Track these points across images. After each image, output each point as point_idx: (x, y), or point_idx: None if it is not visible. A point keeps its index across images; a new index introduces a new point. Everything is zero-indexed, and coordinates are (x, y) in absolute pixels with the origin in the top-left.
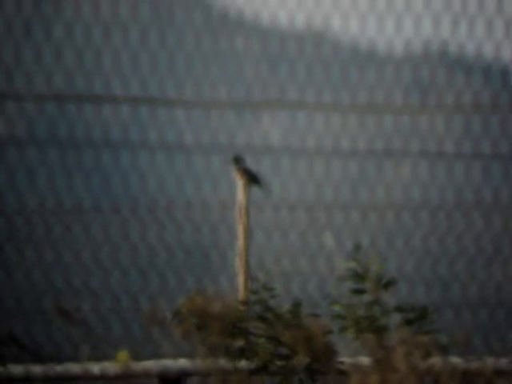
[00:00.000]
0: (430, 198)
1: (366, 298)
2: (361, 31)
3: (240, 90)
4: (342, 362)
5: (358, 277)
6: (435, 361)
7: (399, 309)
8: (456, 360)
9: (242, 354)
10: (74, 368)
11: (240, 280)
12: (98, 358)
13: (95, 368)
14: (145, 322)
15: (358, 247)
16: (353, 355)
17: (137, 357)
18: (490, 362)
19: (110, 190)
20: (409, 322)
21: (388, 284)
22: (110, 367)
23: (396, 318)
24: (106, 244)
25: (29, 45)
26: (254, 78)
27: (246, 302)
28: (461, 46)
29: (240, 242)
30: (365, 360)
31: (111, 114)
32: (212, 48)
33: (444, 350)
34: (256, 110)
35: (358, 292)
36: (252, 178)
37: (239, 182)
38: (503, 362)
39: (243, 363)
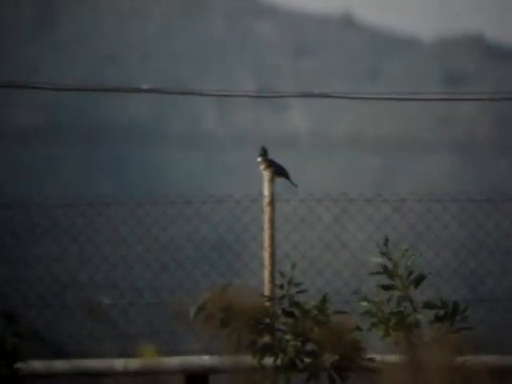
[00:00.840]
0: (463, 190)
1: (396, 293)
2: (397, 19)
3: (269, 80)
4: (371, 359)
5: (387, 272)
6: (467, 358)
7: (429, 305)
8: (488, 357)
9: (268, 350)
10: (96, 363)
11: (266, 274)
12: (120, 354)
13: (118, 364)
14: (169, 317)
15: (386, 241)
16: (382, 352)
17: (161, 352)
18: None
19: (132, 183)
20: (440, 319)
21: (418, 280)
22: (134, 363)
23: (426, 315)
24: (129, 238)
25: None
26: (284, 67)
27: (272, 297)
28: (494, 33)
29: (266, 234)
30: (394, 357)
31: (135, 105)
32: (242, 35)
33: (476, 347)
34: (284, 101)
35: (387, 288)
36: (277, 170)
37: (265, 174)
38: None
39: (269, 360)
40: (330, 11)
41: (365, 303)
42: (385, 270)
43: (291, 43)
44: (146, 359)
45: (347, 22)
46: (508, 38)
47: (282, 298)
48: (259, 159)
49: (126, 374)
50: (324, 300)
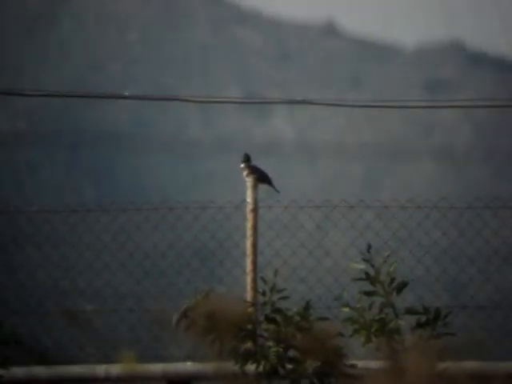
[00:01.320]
0: (444, 197)
1: (378, 300)
2: (379, 28)
3: (252, 86)
4: (353, 365)
5: (369, 278)
6: (448, 364)
7: (411, 311)
8: (469, 363)
9: (250, 357)
10: (78, 369)
11: (248, 280)
12: (103, 360)
13: (100, 369)
14: (152, 324)
15: (369, 248)
16: (364, 358)
17: (143, 359)
18: (503, 365)
19: (115, 189)
20: (421, 325)
21: (400, 286)
22: (115, 369)
23: (408, 321)
24: (112, 244)
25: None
26: (268, 74)
27: (254, 304)
28: (473, 40)
29: (248, 241)
30: (376, 364)
31: (119, 112)
32: (226, 42)
33: (457, 354)
34: (268, 108)
35: (369, 294)
36: (260, 177)
37: (247, 181)
38: None
39: (252, 367)
40: (314, 19)
41: (347, 309)
42: (367, 277)
43: (275, 50)
44: (126, 364)
45: (330, 30)
46: (488, 45)
47: (265, 304)
48: (242, 165)
49: (108, 379)
50: (307, 306)
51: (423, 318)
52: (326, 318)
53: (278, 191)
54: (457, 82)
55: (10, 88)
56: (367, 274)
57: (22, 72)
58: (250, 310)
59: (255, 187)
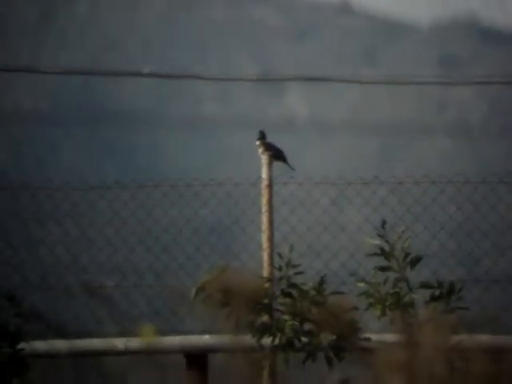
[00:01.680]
0: (459, 172)
1: (392, 275)
2: (394, 5)
3: (268, 64)
4: (368, 339)
5: (384, 254)
6: (462, 338)
7: (426, 285)
8: (483, 337)
9: (266, 330)
10: (97, 343)
11: (264, 256)
12: (122, 334)
13: (119, 343)
14: (169, 298)
15: (383, 223)
16: (378, 332)
17: (161, 333)
18: None
19: (133, 165)
20: (435, 299)
21: (414, 261)
22: (134, 342)
23: (422, 295)
24: (130, 220)
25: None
26: (284, 52)
27: (270, 279)
28: (487, 17)
29: (264, 217)
30: (391, 337)
31: (136, 90)
32: (242, 20)
33: (471, 327)
34: (283, 85)
35: (384, 269)
36: (275, 154)
37: (263, 158)
38: None
39: (268, 340)
40: None
41: (362, 284)
42: (382, 252)
43: (291, 28)
44: (145, 338)
45: (345, 8)
46: (504, 21)
47: (280, 279)
48: (257, 143)
49: (127, 352)
50: (321, 281)
51: (437, 292)
52: (340, 293)
53: (293, 169)
54: (471, 58)
55: (31, 66)
56: (382, 249)
57: (41, 51)
58: (266, 284)
59: (270, 164)
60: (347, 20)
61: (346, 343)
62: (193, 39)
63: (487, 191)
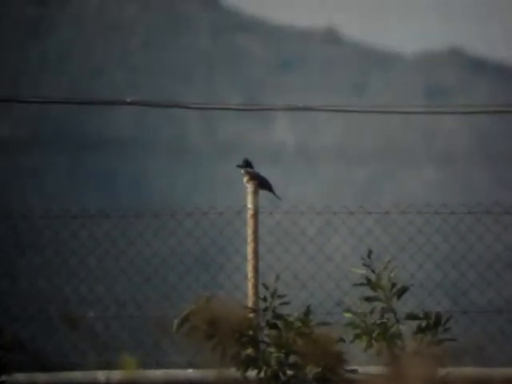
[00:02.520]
0: (445, 202)
1: (379, 305)
2: (380, 35)
3: (253, 93)
4: (354, 371)
5: (370, 284)
6: (449, 370)
7: (412, 316)
8: (470, 369)
9: (251, 362)
10: (79, 375)
11: (249, 286)
12: (104, 367)
13: (101, 375)
14: (153, 330)
15: (369, 253)
16: (364, 364)
17: (144, 365)
18: (504, 371)
19: (117, 195)
20: (422, 330)
21: (401, 291)
22: (116, 375)
23: (409, 326)
24: (113, 250)
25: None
26: (269, 81)
27: (255, 309)
28: (473, 47)
29: (249, 247)
30: (377, 369)
31: (120, 118)
32: (227, 49)
33: (458, 359)
34: (269, 114)
35: (370, 299)
36: (261, 183)
37: (248, 187)
38: None
39: (253, 372)
40: (315, 26)
41: (348, 315)
42: (368, 282)
43: (276, 57)
44: (127, 371)
45: (331, 37)
46: (489, 51)
47: (266, 310)
48: (242, 171)
49: None
50: (307, 312)
51: (424, 324)
52: (326, 323)
53: (279, 198)
54: (457, 87)
55: (11, 95)
56: (368, 279)
57: (22, 79)
58: (251, 315)
59: (256, 193)
60: (332, 49)
61: (331, 375)
62: (178, 67)
63: (473, 222)
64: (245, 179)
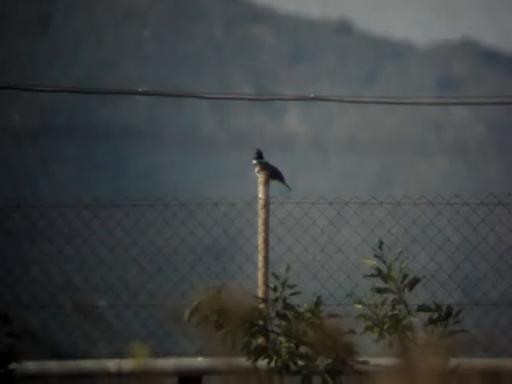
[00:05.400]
0: (457, 193)
1: (390, 296)
2: (392, 25)
3: (266, 84)
4: (365, 362)
5: (382, 275)
6: (460, 361)
7: (424, 308)
8: (482, 360)
9: (262, 352)
10: (90, 364)
11: (260, 276)
12: (115, 355)
13: (112, 364)
14: (164, 319)
15: (381, 244)
16: (375, 355)
17: (155, 354)
18: None
19: (128, 185)
20: (434, 322)
21: (412, 283)
22: (127, 363)
23: (420, 318)
24: (124, 239)
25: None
26: (281, 71)
27: (265, 300)
28: (485, 38)
29: (260, 237)
30: (388, 360)
31: (132, 108)
32: (240, 40)
33: (469, 351)
34: (281, 105)
35: (382, 291)
36: (272, 173)
37: (259, 177)
38: None
39: (263, 362)
40: (327, 17)
41: (359, 306)
42: (379, 273)
43: (288, 48)
44: (138, 360)
45: (343, 28)
46: (501, 43)
47: (276, 300)
48: (254, 162)
49: (120, 374)
50: (318, 303)
51: (435, 315)
52: (335, 315)
53: (290, 188)
54: (469, 78)
55: (22, 84)
56: (379, 270)
57: (33, 68)
58: (262, 305)
59: (267, 183)
60: (344, 40)
61: (342, 367)
62: (190, 57)
63: (485, 213)
64: (256, 169)
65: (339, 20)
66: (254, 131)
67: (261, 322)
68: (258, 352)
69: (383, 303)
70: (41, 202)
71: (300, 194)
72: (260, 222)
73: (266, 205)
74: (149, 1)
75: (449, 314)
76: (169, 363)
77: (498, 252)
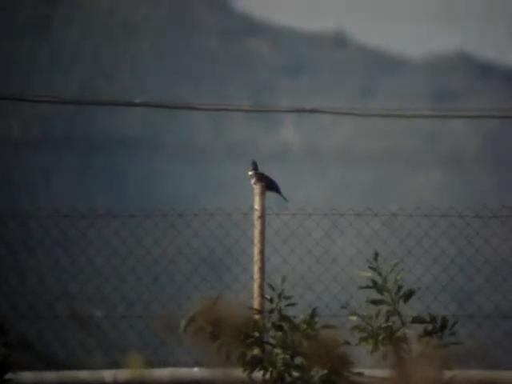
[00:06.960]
0: (452, 205)
1: (385, 308)
2: (388, 39)
3: (262, 96)
4: (360, 373)
5: (377, 287)
6: (455, 373)
7: (418, 320)
8: (476, 372)
9: (257, 363)
10: (85, 375)
11: (255, 287)
12: (111, 366)
13: (108, 374)
14: (160, 329)
15: (376, 256)
16: (370, 367)
17: (151, 364)
18: (510, 374)
19: (125, 195)
20: (428, 334)
21: (407, 295)
22: (123, 374)
23: (415, 330)
24: (121, 250)
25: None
26: (278, 84)
27: (261, 311)
28: (481, 51)
29: (256, 248)
30: (383, 372)
31: (129, 119)
32: (237, 52)
33: (464, 363)
34: (276, 117)
35: (377, 302)
36: (268, 184)
37: (255, 188)
38: None
39: (259, 374)
40: (324, 30)
41: (354, 317)
42: (374, 285)
43: (284, 60)
44: (134, 370)
45: (340, 41)
46: (495, 55)
47: (272, 311)
48: (250, 173)
49: None
50: (313, 314)
51: (430, 327)
52: (331, 326)
53: (286, 199)
54: (465, 92)
55: (21, 95)
56: (374, 282)
57: (33, 79)
58: (257, 316)
59: (263, 194)
60: (341, 53)
61: (337, 378)
62: (187, 69)
63: (480, 225)
64: (252, 181)
65: (336, 33)
66: (251, 143)
67: (256, 333)
68: (254, 363)
69: (378, 315)
70: (37, 212)
71: (296, 205)
72: (256, 232)
73: (262, 216)
74: (146, 13)
75: (444, 325)
76: (164, 373)
77: (492, 264)
